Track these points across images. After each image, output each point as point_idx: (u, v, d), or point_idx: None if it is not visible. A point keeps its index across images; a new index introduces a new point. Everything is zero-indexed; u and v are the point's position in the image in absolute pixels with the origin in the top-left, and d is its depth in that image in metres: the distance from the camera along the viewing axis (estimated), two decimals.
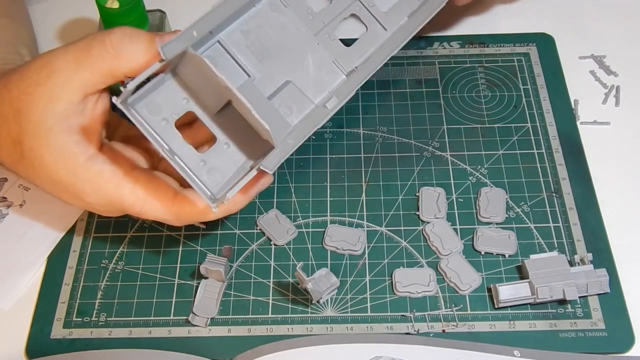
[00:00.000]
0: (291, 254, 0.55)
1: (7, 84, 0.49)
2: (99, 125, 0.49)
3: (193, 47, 0.47)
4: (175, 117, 0.49)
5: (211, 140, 0.50)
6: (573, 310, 0.51)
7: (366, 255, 0.55)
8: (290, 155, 0.53)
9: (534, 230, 0.55)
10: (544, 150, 0.60)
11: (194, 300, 0.52)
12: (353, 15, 0.54)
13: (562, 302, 0.52)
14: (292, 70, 0.52)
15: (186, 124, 0.53)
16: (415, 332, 0.51)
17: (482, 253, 0.54)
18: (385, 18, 0.53)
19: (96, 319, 0.53)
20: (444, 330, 0.51)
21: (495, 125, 0.61)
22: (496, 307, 0.52)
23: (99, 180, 0.47)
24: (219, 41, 0.51)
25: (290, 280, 0.54)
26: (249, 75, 0.51)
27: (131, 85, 0.45)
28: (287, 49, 0.52)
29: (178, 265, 0.55)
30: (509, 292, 0.51)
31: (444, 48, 0.67)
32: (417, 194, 0.57)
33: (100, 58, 0.47)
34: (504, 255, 0.54)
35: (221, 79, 0.45)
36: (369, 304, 0.52)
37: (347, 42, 0.52)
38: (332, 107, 0.49)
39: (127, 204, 0.48)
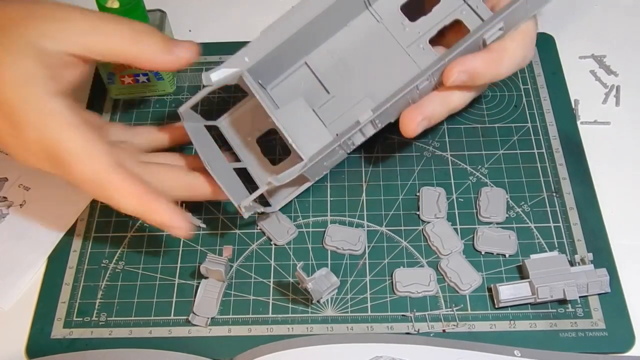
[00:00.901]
0: (291, 253, 0.55)
1: (4, 7, 0.48)
2: (69, 86, 0.49)
3: (267, 70, 0.53)
4: (259, 133, 0.57)
5: None
6: (573, 310, 0.51)
7: (366, 255, 0.55)
8: None
9: (534, 230, 0.55)
10: (544, 150, 0.60)
11: (194, 300, 0.52)
12: (456, 21, 0.53)
13: (562, 302, 0.52)
14: (374, 85, 0.54)
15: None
16: (416, 332, 0.51)
17: (483, 253, 0.54)
18: (487, 14, 0.52)
19: (96, 318, 0.53)
20: (444, 330, 0.51)
21: (496, 125, 0.61)
22: (496, 307, 0.52)
23: (48, 116, 0.46)
24: (306, 62, 0.55)
25: (291, 280, 0.54)
26: (328, 93, 0.55)
27: (183, 108, 0.53)
28: (372, 65, 0.54)
29: (178, 265, 0.55)
30: (509, 292, 0.51)
31: None
32: (418, 194, 0.57)
33: (121, 31, 0.49)
34: (504, 255, 0.54)
35: (256, 96, 0.51)
36: (369, 304, 0.52)
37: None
38: (362, 120, 0.50)
39: (62, 152, 0.46)
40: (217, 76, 0.52)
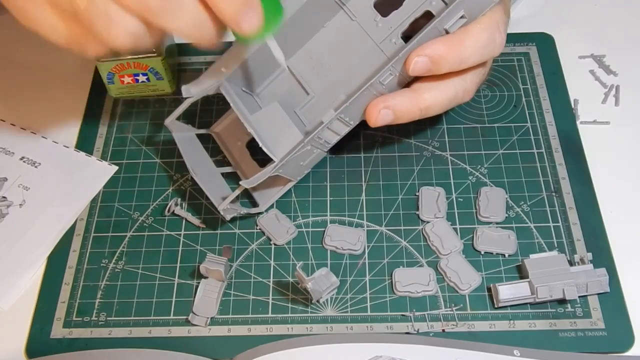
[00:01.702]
0: (291, 253, 0.55)
1: None
2: None
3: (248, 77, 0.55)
4: (248, 137, 0.58)
5: None
6: (573, 309, 0.51)
7: (366, 255, 0.55)
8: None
9: (534, 230, 0.55)
10: (543, 150, 0.60)
11: (193, 300, 0.52)
12: (426, 12, 0.52)
13: (561, 301, 0.52)
14: (349, 83, 0.54)
15: None
16: (415, 332, 0.51)
17: (482, 253, 0.54)
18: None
19: (96, 318, 0.53)
20: (443, 330, 0.51)
21: (495, 125, 0.61)
22: (496, 306, 0.52)
23: None
24: (287, 66, 0.56)
25: (290, 279, 0.54)
26: (307, 94, 0.56)
27: (168, 120, 0.55)
28: (348, 63, 0.55)
29: (178, 265, 0.55)
30: (509, 291, 0.51)
31: None
32: (417, 194, 0.57)
33: None
34: (503, 255, 0.54)
35: (231, 104, 0.52)
36: (368, 304, 0.52)
37: None
38: (325, 120, 0.51)
39: None
40: (197, 88, 0.54)
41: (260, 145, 0.51)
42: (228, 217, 0.53)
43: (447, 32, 0.49)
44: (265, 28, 0.44)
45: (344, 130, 0.53)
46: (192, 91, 0.54)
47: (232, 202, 0.53)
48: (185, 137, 0.58)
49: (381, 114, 0.50)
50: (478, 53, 0.50)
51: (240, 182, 0.52)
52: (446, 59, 0.49)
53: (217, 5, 0.41)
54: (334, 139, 0.53)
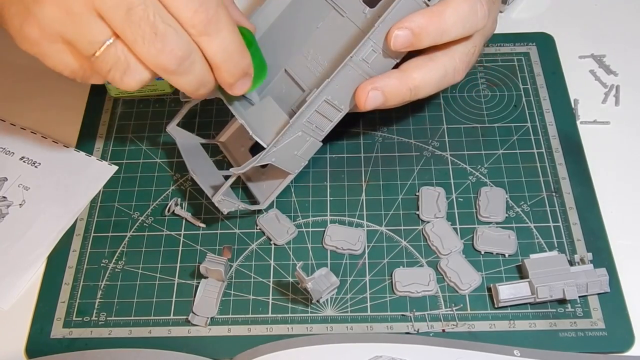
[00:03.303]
0: (291, 253, 0.55)
1: None
2: None
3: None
4: (251, 142, 0.58)
5: None
6: (573, 309, 0.51)
7: (366, 255, 0.55)
8: None
9: (534, 230, 0.55)
10: (543, 150, 0.60)
11: (193, 300, 0.52)
12: None
13: (562, 301, 0.52)
14: None
15: None
16: (415, 332, 0.51)
17: (482, 252, 0.54)
18: None
19: (96, 318, 0.53)
20: (443, 330, 0.51)
21: (495, 125, 0.61)
22: (496, 306, 0.52)
23: None
24: (285, 69, 0.56)
25: (290, 279, 0.54)
26: (303, 91, 0.55)
27: (170, 127, 0.56)
28: (342, 57, 0.54)
29: (178, 265, 0.55)
30: (509, 291, 0.51)
31: None
32: (417, 194, 0.57)
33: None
34: (503, 255, 0.54)
35: (227, 103, 0.52)
36: (368, 304, 0.52)
37: None
38: (308, 99, 0.50)
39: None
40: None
41: (250, 132, 0.50)
42: (225, 210, 0.53)
43: (427, 6, 0.49)
44: (251, 87, 0.51)
45: (335, 115, 0.52)
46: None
47: (230, 196, 0.53)
48: (188, 144, 0.58)
49: (370, 96, 0.50)
50: (460, 24, 0.49)
51: (231, 169, 0.51)
52: (427, 31, 0.48)
53: (222, 74, 0.47)
54: (327, 126, 0.53)
